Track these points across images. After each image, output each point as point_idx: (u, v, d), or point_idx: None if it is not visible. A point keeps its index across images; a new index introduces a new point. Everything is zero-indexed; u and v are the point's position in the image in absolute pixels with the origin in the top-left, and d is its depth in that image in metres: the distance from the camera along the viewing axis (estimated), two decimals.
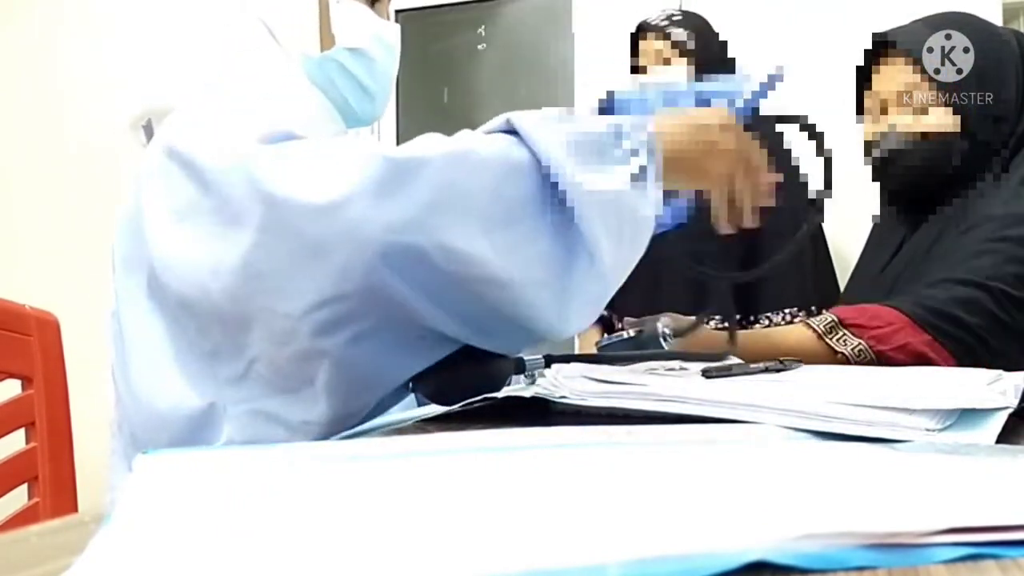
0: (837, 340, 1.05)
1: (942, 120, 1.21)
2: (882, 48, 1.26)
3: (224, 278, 0.66)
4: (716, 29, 2.06)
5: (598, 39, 2.60)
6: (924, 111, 1.22)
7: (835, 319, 1.07)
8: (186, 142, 0.72)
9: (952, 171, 1.21)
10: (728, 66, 2.04)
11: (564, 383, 0.66)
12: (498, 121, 0.70)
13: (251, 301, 0.65)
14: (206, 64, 0.86)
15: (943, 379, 0.69)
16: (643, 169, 0.71)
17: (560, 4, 2.72)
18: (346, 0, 0.98)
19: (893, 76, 1.24)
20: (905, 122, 1.23)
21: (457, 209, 0.64)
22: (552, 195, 0.67)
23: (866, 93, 1.30)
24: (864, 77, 1.30)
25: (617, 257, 0.69)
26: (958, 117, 1.20)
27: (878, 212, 1.36)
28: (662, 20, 2.03)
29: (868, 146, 1.29)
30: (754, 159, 0.78)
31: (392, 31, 1.03)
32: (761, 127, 0.81)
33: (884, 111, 1.26)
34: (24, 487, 1.21)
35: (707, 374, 0.68)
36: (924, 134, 1.22)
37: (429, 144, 0.66)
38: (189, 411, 0.70)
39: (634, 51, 2.05)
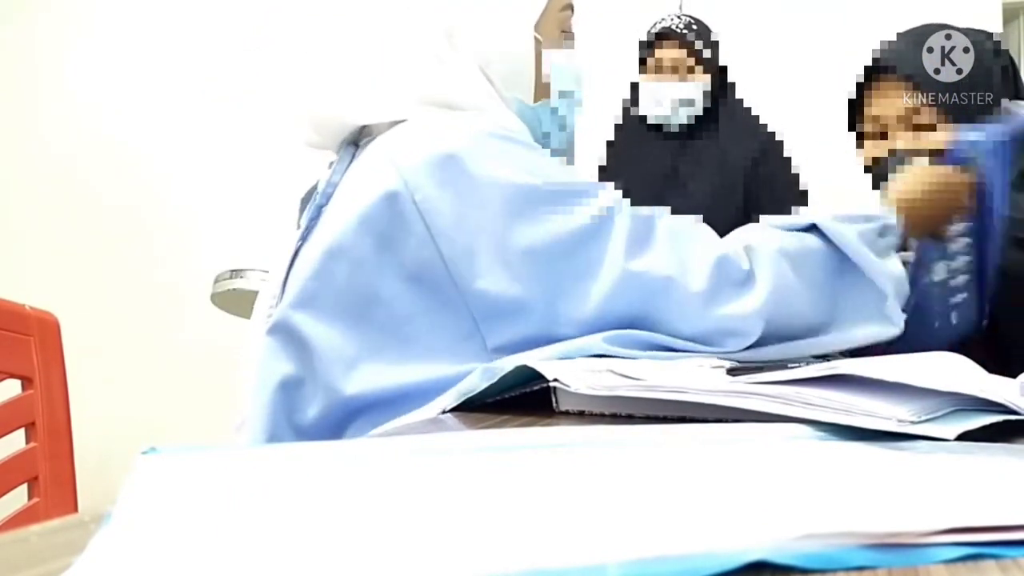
0: None
1: (945, 135, 1.20)
2: (875, 73, 1.27)
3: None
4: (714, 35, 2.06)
5: (596, 41, 2.59)
6: (928, 129, 1.22)
7: None
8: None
9: None
10: (722, 73, 2.04)
11: (584, 376, 0.66)
12: (801, 221, 0.92)
13: None
14: (418, 89, 0.92)
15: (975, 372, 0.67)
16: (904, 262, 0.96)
17: None
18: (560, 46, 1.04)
19: (891, 100, 1.25)
20: (908, 143, 1.23)
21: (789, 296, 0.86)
22: (846, 273, 0.90)
23: (862, 118, 1.30)
24: (857, 105, 1.31)
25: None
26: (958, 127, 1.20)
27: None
28: (680, 27, 2.00)
29: (871, 169, 1.29)
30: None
31: (588, 70, 1.08)
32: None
33: (883, 135, 1.27)
34: (24, 487, 1.21)
35: (732, 372, 0.68)
36: (931, 151, 1.22)
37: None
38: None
39: (643, 55, 2.02)
